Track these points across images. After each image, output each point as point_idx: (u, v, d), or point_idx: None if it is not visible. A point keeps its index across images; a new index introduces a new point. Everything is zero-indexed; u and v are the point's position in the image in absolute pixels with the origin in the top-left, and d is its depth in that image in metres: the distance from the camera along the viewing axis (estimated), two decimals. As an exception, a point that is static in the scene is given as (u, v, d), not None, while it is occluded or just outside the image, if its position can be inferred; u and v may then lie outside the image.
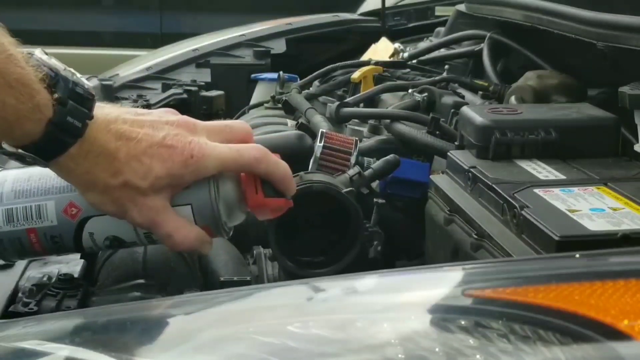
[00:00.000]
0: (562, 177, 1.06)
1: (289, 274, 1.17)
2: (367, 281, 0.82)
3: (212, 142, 0.92)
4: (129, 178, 0.88)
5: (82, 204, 0.93)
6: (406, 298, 0.76)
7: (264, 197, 0.93)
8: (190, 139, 0.90)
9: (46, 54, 0.87)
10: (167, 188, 0.90)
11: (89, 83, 0.88)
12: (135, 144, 0.88)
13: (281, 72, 2.02)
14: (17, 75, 0.81)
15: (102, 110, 0.89)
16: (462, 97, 1.58)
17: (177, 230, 0.91)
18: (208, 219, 0.93)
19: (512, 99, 1.42)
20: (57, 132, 0.84)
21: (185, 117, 0.94)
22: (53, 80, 0.85)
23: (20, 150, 0.85)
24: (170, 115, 0.93)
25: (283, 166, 0.94)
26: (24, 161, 0.87)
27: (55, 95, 0.84)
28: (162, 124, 0.91)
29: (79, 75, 0.88)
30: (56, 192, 0.94)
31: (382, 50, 2.17)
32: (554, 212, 0.95)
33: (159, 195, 0.90)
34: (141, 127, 0.90)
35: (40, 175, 0.95)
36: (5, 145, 0.86)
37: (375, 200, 1.26)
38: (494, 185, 1.04)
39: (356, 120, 1.61)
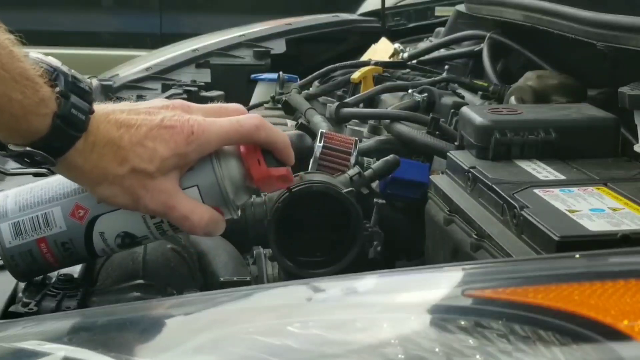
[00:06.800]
0: (562, 177, 1.06)
1: (288, 274, 1.17)
2: (367, 281, 0.82)
3: None
4: (136, 164, 0.88)
5: (89, 204, 0.93)
6: (406, 298, 0.76)
7: (268, 168, 0.93)
8: (187, 117, 0.91)
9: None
10: (174, 169, 0.91)
11: (88, 80, 0.89)
12: (135, 130, 0.89)
13: (281, 73, 2.02)
14: (20, 70, 0.82)
15: (98, 105, 0.90)
16: (462, 97, 1.59)
17: (193, 211, 0.91)
18: (216, 197, 0.93)
19: (512, 99, 1.42)
20: (63, 126, 0.84)
21: (179, 100, 0.95)
22: (52, 74, 0.85)
23: (28, 149, 0.85)
24: (164, 101, 0.95)
25: (282, 134, 0.95)
26: (33, 161, 0.86)
27: (57, 89, 0.85)
28: (158, 108, 0.92)
29: (73, 71, 0.89)
30: (61, 198, 0.94)
31: (382, 50, 2.17)
32: (553, 212, 0.95)
33: (168, 177, 0.90)
34: (138, 114, 0.90)
35: (41, 186, 0.95)
36: (12, 146, 0.86)
37: (375, 200, 1.26)
38: (493, 186, 1.04)
39: (356, 121, 1.61)
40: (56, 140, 0.85)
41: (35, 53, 0.86)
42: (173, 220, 0.92)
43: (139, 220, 0.94)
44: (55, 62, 0.87)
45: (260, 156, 0.93)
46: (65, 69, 0.87)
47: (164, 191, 0.90)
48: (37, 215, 0.94)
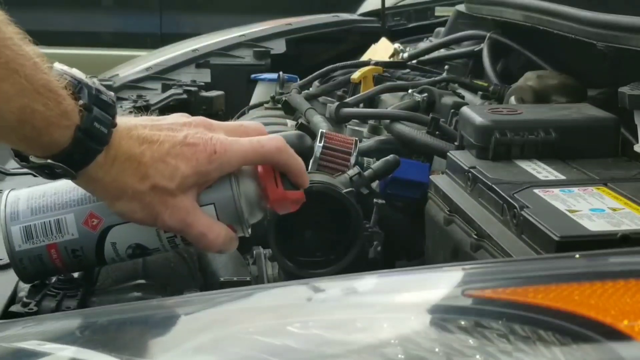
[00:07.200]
0: (562, 177, 1.06)
1: (288, 274, 1.17)
2: (367, 281, 0.82)
3: None
4: (157, 181, 0.88)
5: (103, 213, 0.92)
6: (406, 298, 0.76)
7: (284, 190, 0.94)
8: (210, 136, 0.91)
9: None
10: (193, 187, 0.90)
11: (111, 93, 0.89)
12: (158, 147, 0.88)
13: (281, 73, 2.02)
14: (43, 81, 0.81)
15: (121, 118, 0.90)
16: (462, 97, 1.59)
17: (210, 229, 0.91)
18: (231, 216, 0.93)
19: (512, 99, 1.42)
20: (85, 139, 0.84)
21: (201, 117, 0.95)
22: (76, 87, 0.85)
23: (49, 161, 0.85)
24: (185, 117, 0.94)
25: (300, 159, 0.95)
26: (53, 174, 0.86)
27: (80, 102, 0.84)
28: (180, 125, 0.91)
29: (99, 83, 0.88)
30: (74, 205, 0.93)
31: (382, 50, 2.17)
32: (553, 212, 0.95)
33: (187, 195, 0.90)
34: (160, 130, 0.90)
35: (55, 190, 0.94)
36: (33, 158, 0.85)
37: (375, 200, 1.26)
38: (493, 186, 1.04)
39: (356, 121, 1.61)
40: (77, 153, 0.84)
41: (60, 65, 0.86)
42: (190, 237, 0.92)
43: (152, 233, 0.93)
44: (80, 75, 0.86)
45: (278, 178, 0.94)
46: (89, 81, 0.86)
47: (182, 208, 0.90)
48: (49, 221, 0.93)
